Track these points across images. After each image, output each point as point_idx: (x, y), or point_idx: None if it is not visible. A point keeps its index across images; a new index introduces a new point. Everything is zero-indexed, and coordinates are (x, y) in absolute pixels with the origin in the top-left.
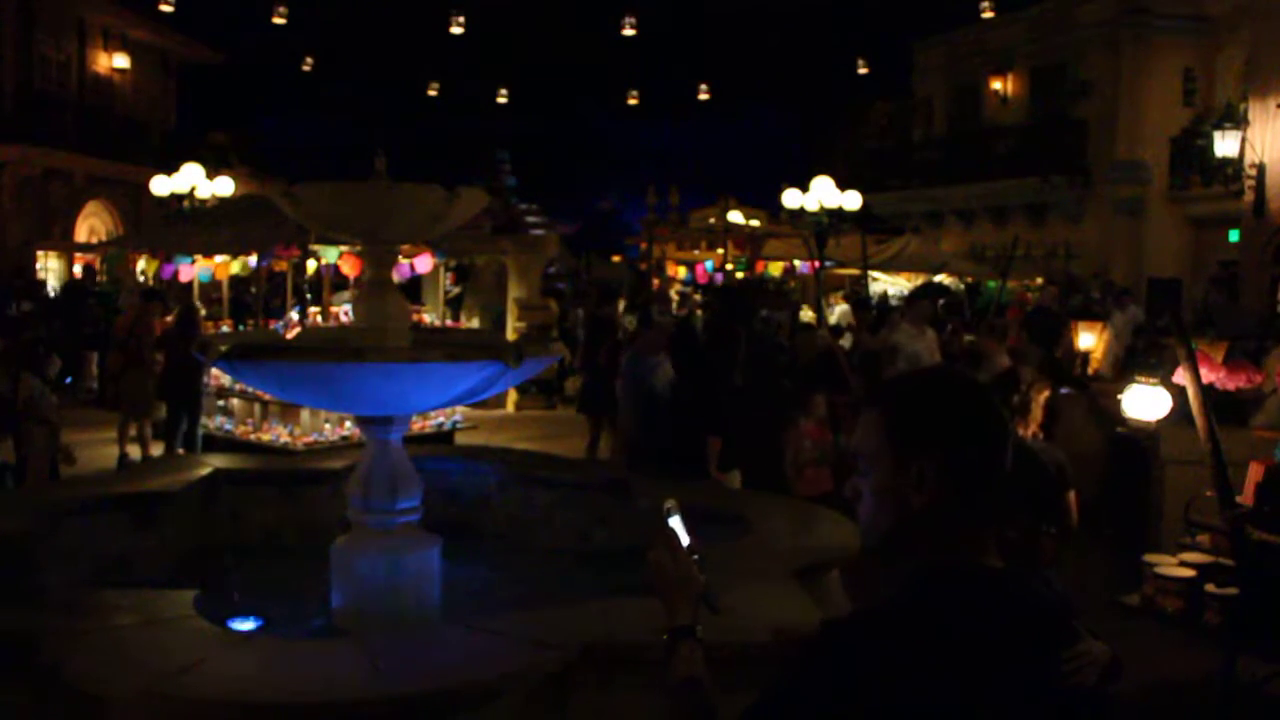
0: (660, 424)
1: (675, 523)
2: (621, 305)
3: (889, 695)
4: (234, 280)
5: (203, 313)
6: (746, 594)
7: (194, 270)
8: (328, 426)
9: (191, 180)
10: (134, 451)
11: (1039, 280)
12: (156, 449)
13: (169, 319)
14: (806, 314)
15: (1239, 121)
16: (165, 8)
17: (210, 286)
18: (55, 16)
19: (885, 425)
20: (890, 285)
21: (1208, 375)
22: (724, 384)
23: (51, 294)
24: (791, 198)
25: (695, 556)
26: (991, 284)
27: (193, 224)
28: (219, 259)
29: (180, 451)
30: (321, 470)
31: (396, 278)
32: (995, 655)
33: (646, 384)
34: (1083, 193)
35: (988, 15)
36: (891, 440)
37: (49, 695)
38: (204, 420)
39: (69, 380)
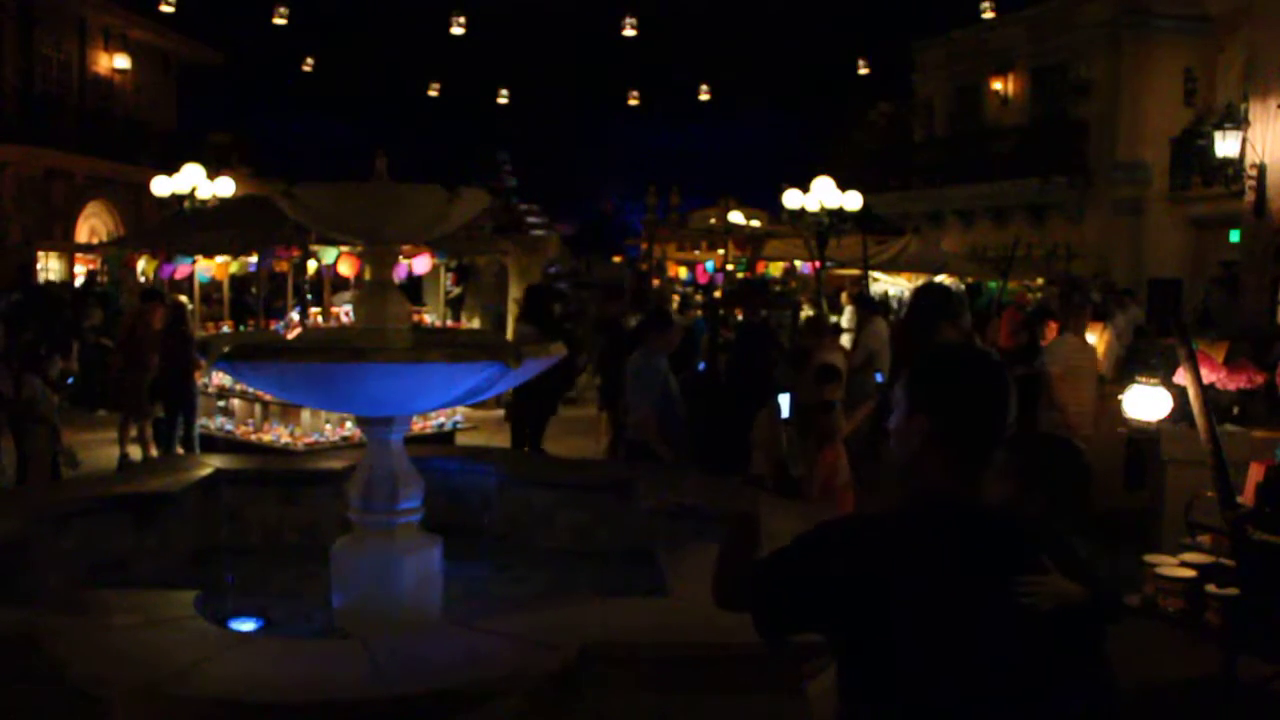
0: (676, 423)
1: (783, 399)
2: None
3: (853, 566)
4: (234, 280)
5: (189, 307)
6: None
7: (194, 270)
8: (328, 427)
9: (192, 180)
10: (135, 452)
11: (1039, 280)
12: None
13: (158, 320)
14: (807, 315)
15: (1239, 122)
16: (165, 8)
17: (210, 286)
18: (56, 17)
19: (906, 383)
20: (891, 286)
21: (1208, 375)
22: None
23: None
24: (792, 198)
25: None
26: (993, 284)
27: (193, 224)
28: (219, 259)
29: (180, 452)
30: (322, 470)
31: (395, 278)
32: (944, 559)
33: (661, 383)
34: (1083, 193)
35: (988, 15)
36: (907, 395)
37: (49, 695)
38: (205, 421)
39: (70, 381)
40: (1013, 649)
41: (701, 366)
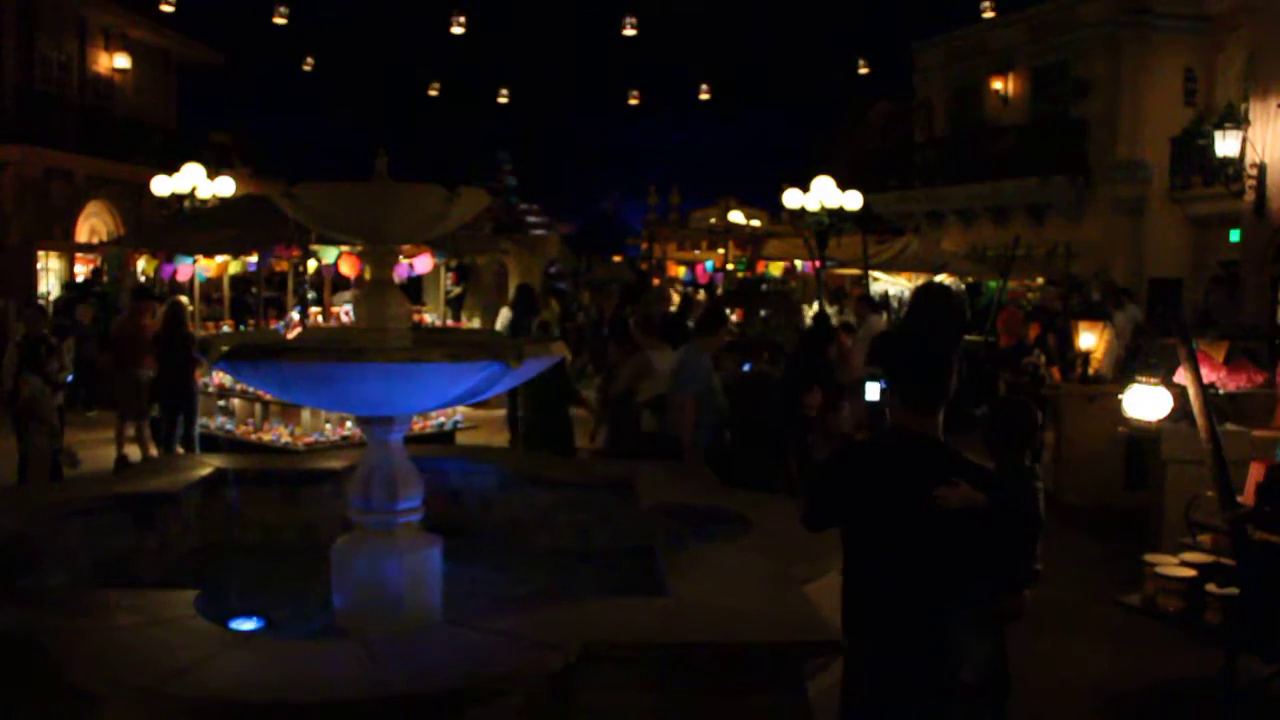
0: (712, 419)
1: (871, 386)
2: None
3: (845, 470)
4: (234, 280)
5: (191, 309)
6: (744, 594)
7: (194, 270)
8: (328, 426)
9: (192, 180)
10: (134, 452)
11: (1039, 280)
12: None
13: (156, 320)
14: (808, 315)
15: (1240, 121)
16: (165, 8)
17: (210, 286)
18: (56, 16)
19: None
20: (891, 285)
21: (1208, 375)
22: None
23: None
24: (792, 198)
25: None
26: (993, 284)
27: (193, 224)
28: (219, 259)
29: (180, 451)
30: (322, 470)
31: (395, 278)
32: (894, 467)
33: (705, 378)
34: (1083, 193)
35: (988, 15)
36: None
37: (49, 695)
38: (205, 421)
39: (70, 380)
40: (926, 531)
41: (746, 367)
